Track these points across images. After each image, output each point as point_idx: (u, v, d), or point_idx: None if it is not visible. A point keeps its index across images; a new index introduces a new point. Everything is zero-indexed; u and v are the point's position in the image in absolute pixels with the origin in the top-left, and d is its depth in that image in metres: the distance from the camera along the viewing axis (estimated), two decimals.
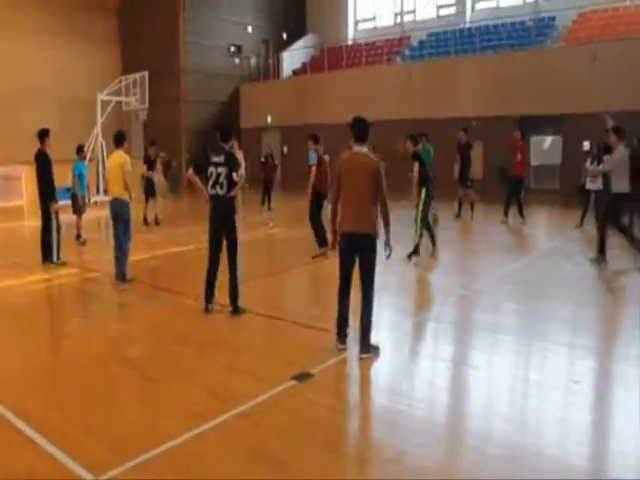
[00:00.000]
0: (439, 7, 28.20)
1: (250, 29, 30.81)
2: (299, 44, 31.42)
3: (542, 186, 20.32)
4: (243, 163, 8.50)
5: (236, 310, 7.35)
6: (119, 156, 9.24)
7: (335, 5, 31.27)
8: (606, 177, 11.36)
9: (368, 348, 5.93)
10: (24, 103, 24.97)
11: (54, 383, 5.54)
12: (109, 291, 9.17)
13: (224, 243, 7.36)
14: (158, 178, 16.85)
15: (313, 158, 10.89)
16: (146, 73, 22.69)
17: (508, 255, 11.56)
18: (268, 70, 30.79)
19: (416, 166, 10.19)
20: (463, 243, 12.94)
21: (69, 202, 12.93)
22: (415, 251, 10.28)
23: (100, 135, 21.92)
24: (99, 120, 22.20)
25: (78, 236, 12.94)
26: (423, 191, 10.20)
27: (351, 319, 6.17)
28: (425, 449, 4.24)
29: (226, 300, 7.42)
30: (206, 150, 7.46)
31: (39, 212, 10.57)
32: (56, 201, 10.41)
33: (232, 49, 30.31)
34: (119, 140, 9.37)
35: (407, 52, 27.36)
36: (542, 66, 20.40)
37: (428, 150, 13.70)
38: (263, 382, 5.25)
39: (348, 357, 5.98)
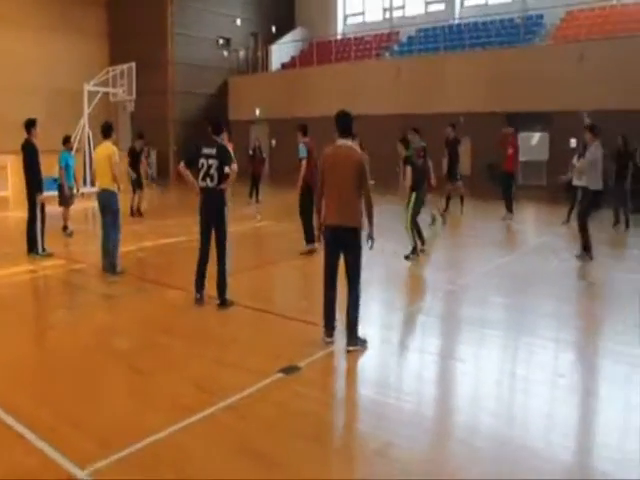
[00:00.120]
0: (428, 3, 28.18)
1: (239, 22, 30.66)
2: (288, 37, 31.32)
3: (529, 182, 20.42)
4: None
5: (224, 303, 7.34)
6: (107, 147, 9.17)
7: None
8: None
9: (355, 341, 5.95)
10: (10, 93, 24.70)
11: (40, 376, 5.50)
12: (95, 283, 9.12)
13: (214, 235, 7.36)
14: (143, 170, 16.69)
15: (302, 151, 10.57)
16: (133, 64, 22.57)
17: (496, 250, 11.62)
18: (257, 63, 30.65)
19: (408, 171, 10.15)
20: (452, 238, 12.98)
21: (56, 193, 12.81)
22: (414, 251, 10.27)
23: (87, 126, 21.77)
24: (86, 111, 22.04)
25: (65, 227, 12.83)
26: (413, 195, 10.18)
27: (339, 312, 6.17)
28: (412, 442, 4.26)
29: (214, 292, 7.41)
30: (197, 143, 7.43)
31: (25, 203, 10.47)
32: (41, 192, 10.31)
33: (221, 41, 30.15)
34: (106, 131, 9.28)
35: (396, 47, 27.36)
36: (530, 64, 20.47)
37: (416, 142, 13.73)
38: (250, 375, 5.25)
39: (335, 350, 5.99)
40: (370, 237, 6.05)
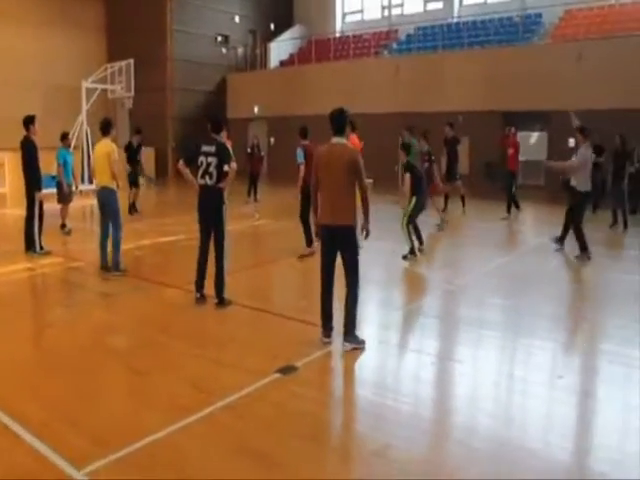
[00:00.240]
0: (426, 1, 28.14)
1: (237, 19, 30.61)
2: (286, 35, 31.26)
3: (527, 182, 20.43)
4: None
5: (222, 302, 7.33)
6: (106, 144, 9.12)
7: None
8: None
9: (350, 338, 5.96)
10: (7, 89, 24.64)
11: (37, 374, 5.48)
12: (93, 281, 9.09)
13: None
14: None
15: (300, 156, 10.25)
16: (132, 61, 22.52)
17: (494, 250, 11.61)
18: (255, 60, 30.60)
19: (407, 177, 10.13)
20: (451, 237, 12.96)
21: (54, 190, 12.77)
22: (411, 251, 10.25)
23: (85, 123, 21.72)
24: (84, 107, 21.98)
25: (63, 225, 12.79)
26: (413, 199, 10.16)
27: (337, 312, 6.17)
28: (410, 442, 4.26)
29: (212, 291, 7.40)
30: (197, 141, 7.40)
31: (24, 200, 10.44)
32: (40, 189, 10.28)
33: (219, 39, 30.09)
34: (105, 128, 9.22)
35: (395, 46, 27.34)
36: (529, 62, 20.46)
37: (413, 143, 13.70)
38: (248, 375, 5.24)
39: (333, 350, 5.99)
40: (365, 228, 6.13)
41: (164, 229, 13.45)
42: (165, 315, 7.31)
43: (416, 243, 10.34)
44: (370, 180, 6.12)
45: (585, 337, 6.86)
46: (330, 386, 5.52)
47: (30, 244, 10.35)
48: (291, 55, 30.66)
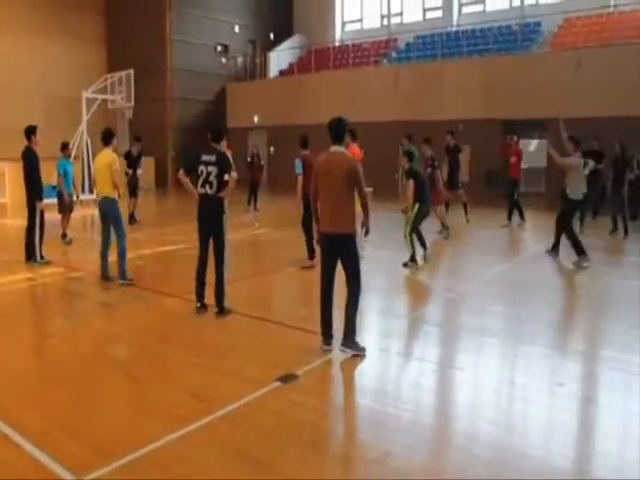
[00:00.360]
0: (425, 10, 28.29)
1: (237, 29, 30.75)
2: (286, 44, 31.40)
3: (528, 189, 20.45)
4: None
5: (222, 311, 7.32)
6: (107, 154, 9.13)
7: (322, 6, 31.26)
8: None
9: (350, 344, 5.96)
10: (7, 99, 24.73)
11: (37, 383, 5.48)
12: (94, 290, 9.10)
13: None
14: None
15: (298, 167, 10.10)
16: (132, 71, 22.59)
17: (496, 257, 11.59)
18: (255, 70, 30.71)
19: (411, 184, 10.12)
20: (452, 245, 12.95)
21: (55, 200, 12.78)
22: (412, 259, 10.24)
23: (85, 133, 21.77)
24: (84, 118, 22.05)
25: (64, 235, 12.80)
26: (416, 206, 10.15)
27: (337, 320, 6.17)
28: (410, 450, 4.25)
29: (212, 300, 7.39)
30: (198, 151, 7.41)
31: (24, 210, 10.45)
32: (41, 199, 10.30)
33: (219, 48, 30.22)
34: (107, 138, 9.22)
35: (394, 54, 27.44)
36: (528, 71, 20.54)
37: (413, 150, 13.71)
38: (248, 383, 5.23)
39: (333, 358, 5.98)
40: (365, 225, 6.22)
41: (164, 238, 13.45)
42: (165, 324, 7.30)
43: (420, 250, 10.33)
44: (370, 189, 6.14)
45: (585, 344, 6.84)
46: (330, 394, 5.51)
47: (30, 254, 10.36)
48: (291, 64, 30.78)
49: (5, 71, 25.29)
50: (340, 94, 24.46)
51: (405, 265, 10.07)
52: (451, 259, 11.87)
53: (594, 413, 4.97)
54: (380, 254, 11.16)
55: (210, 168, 7.16)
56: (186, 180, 7.36)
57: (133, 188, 15.58)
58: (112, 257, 9.26)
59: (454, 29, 26.70)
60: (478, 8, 26.66)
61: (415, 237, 10.27)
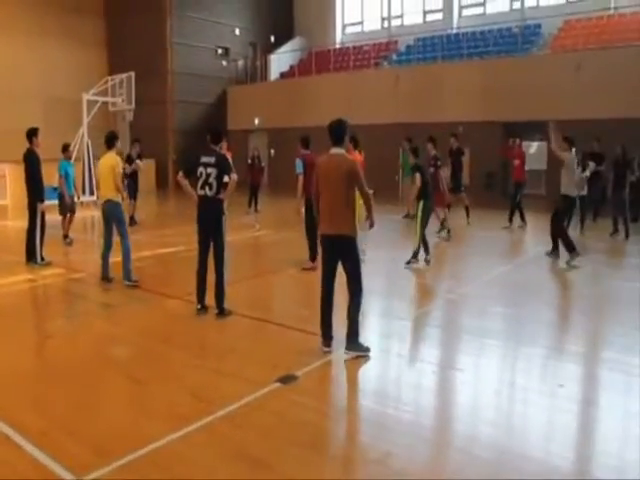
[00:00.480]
0: (426, 12, 28.31)
1: (238, 31, 30.77)
2: (287, 47, 31.43)
3: (528, 191, 20.42)
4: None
5: (222, 312, 7.32)
6: (110, 157, 9.13)
7: (323, 8, 31.30)
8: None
9: (353, 346, 5.96)
10: (8, 102, 24.75)
11: (38, 384, 5.49)
12: (95, 292, 9.10)
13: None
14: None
15: (299, 167, 10.09)
16: (132, 74, 22.60)
17: (496, 259, 11.58)
18: (255, 73, 30.73)
19: (418, 178, 10.16)
20: (453, 247, 12.95)
21: (56, 202, 12.79)
22: (414, 256, 10.30)
23: (86, 135, 21.79)
24: (85, 120, 22.07)
25: (65, 236, 12.82)
26: (421, 203, 10.18)
27: (337, 321, 6.17)
28: (411, 451, 4.25)
29: (212, 302, 7.40)
30: (198, 153, 7.42)
31: (26, 212, 10.46)
32: (43, 201, 10.31)
33: (219, 51, 30.25)
34: (110, 141, 9.23)
35: (394, 57, 27.47)
36: (528, 73, 20.55)
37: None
38: (248, 384, 5.23)
39: (333, 359, 5.98)
40: (370, 218, 6.28)
41: (164, 240, 13.46)
42: (166, 325, 7.31)
43: (422, 254, 10.35)
44: (371, 191, 6.14)
45: (586, 345, 6.84)
46: (330, 395, 5.51)
47: (31, 255, 10.37)
48: (291, 67, 30.81)
49: (6, 74, 25.30)
50: (340, 96, 24.48)
51: (408, 263, 10.12)
52: (452, 261, 11.87)
53: (594, 414, 4.97)
54: (380, 255, 11.16)
55: (210, 170, 7.16)
56: (185, 182, 7.37)
57: (133, 190, 15.58)
58: (113, 259, 9.28)
59: (454, 31, 26.72)
60: (478, 10, 26.68)
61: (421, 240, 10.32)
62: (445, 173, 14.90)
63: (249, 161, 19.32)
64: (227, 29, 30.17)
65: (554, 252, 11.07)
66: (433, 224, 12.27)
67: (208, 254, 7.39)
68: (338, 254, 6.04)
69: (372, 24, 30.25)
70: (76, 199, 13.14)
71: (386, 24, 29.52)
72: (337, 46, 30.67)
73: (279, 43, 31.45)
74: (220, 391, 5.21)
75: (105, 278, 9.20)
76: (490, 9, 26.28)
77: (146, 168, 19.75)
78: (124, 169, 15.20)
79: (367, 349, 6.03)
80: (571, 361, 6.24)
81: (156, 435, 4.29)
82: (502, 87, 20.90)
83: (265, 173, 23.28)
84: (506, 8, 25.75)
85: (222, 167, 7.19)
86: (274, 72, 30.78)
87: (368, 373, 5.81)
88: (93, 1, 30.01)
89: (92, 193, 20.89)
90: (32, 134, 10.19)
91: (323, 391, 5.52)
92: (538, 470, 3.98)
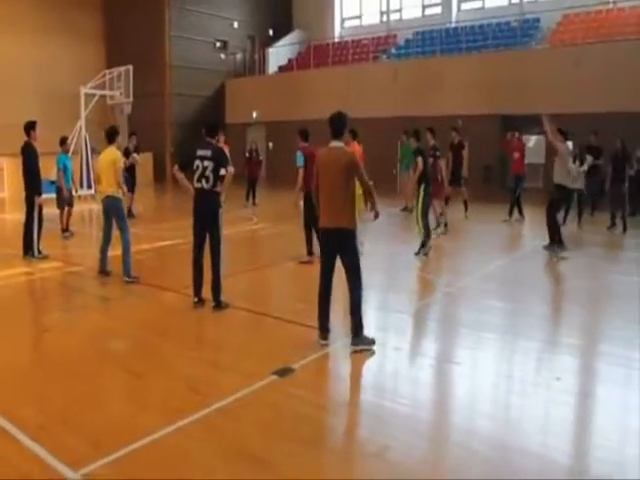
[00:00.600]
0: (425, 6, 28.25)
1: (236, 24, 30.69)
2: (285, 40, 31.35)
3: (527, 185, 20.43)
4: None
5: (219, 305, 7.32)
6: (111, 152, 9.08)
7: (322, 2, 31.22)
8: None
9: (358, 341, 5.97)
10: (6, 96, 24.67)
11: (35, 377, 5.47)
12: (92, 285, 9.08)
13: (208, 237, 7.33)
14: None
15: (300, 160, 10.00)
16: (130, 67, 22.53)
17: (494, 253, 11.59)
18: (254, 66, 30.67)
19: (420, 161, 10.18)
20: (450, 241, 12.94)
21: (54, 196, 12.77)
22: (423, 245, 10.34)
23: (84, 128, 21.74)
24: (82, 114, 22.00)
25: (65, 230, 12.80)
26: (422, 189, 10.19)
27: (334, 314, 6.17)
28: (408, 444, 4.24)
29: (209, 295, 7.40)
30: (195, 145, 7.40)
31: (24, 205, 10.44)
32: (40, 194, 10.29)
33: (218, 44, 30.18)
34: (111, 136, 9.16)
35: (393, 50, 27.41)
36: (527, 67, 20.54)
37: (410, 147, 13.72)
38: (245, 377, 5.23)
39: (330, 352, 5.99)
40: (374, 209, 6.24)
41: (162, 233, 13.45)
42: (163, 319, 7.30)
43: (428, 242, 10.42)
44: (370, 182, 6.13)
45: (583, 338, 6.84)
46: (327, 388, 5.51)
47: (28, 248, 10.35)
48: (290, 60, 30.74)
49: (3, 67, 25.22)
50: (339, 90, 24.43)
51: (417, 254, 10.16)
52: (449, 254, 11.86)
53: (592, 407, 4.98)
54: (377, 249, 11.15)
55: (206, 163, 7.14)
56: (181, 175, 7.35)
57: (130, 184, 15.55)
58: (112, 252, 9.27)
59: (453, 25, 26.67)
60: (477, 4, 26.63)
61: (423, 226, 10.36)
62: (443, 165, 14.89)
63: (247, 154, 19.30)
64: (225, 22, 30.10)
65: (551, 245, 11.08)
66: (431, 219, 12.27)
67: (204, 247, 7.37)
68: (337, 248, 6.03)
69: (371, 18, 30.18)
70: (74, 193, 13.11)
71: (385, 18, 29.46)
72: (336, 40, 30.59)
73: (278, 36, 31.37)
74: (217, 384, 5.22)
75: (103, 272, 9.18)
76: (489, 3, 26.24)
77: (144, 161, 19.71)
78: (124, 163, 15.20)
79: (372, 342, 6.03)
80: (568, 354, 6.24)
81: (153, 428, 4.28)
82: (501, 81, 20.88)
83: (263, 166, 23.23)
84: (505, 2, 25.70)
85: (219, 160, 7.18)
86: (272, 65, 30.70)
87: (365, 366, 5.80)
88: None
89: (90, 187, 20.85)
90: (30, 127, 10.16)
91: (320, 384, 5.53)
92: (535, 463, 3.99)
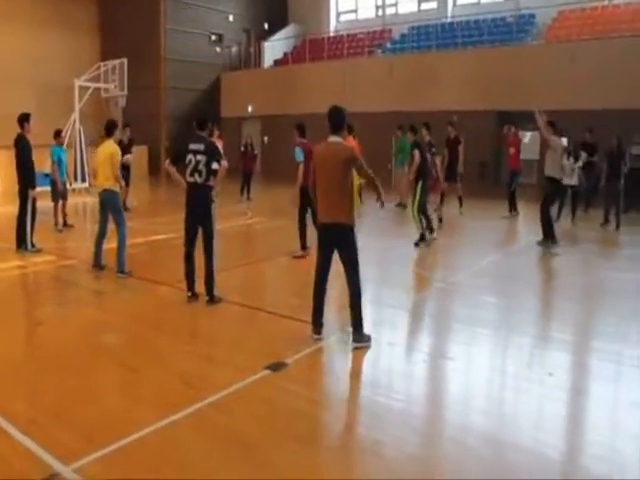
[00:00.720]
0: (420, 1, 28.18)
1: (231, 18, 30.56)
2: (281, 34, 31.24)
3: (522, 180, 20.47)
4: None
5: (212, 299, 7.31)
6: (109, 145, 9.03)
7: None
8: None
9: (357, 337, 5.97)
10: (0, 88, 24.52)
11: (27, 371, 5.46)
12: (86, 279, 9.05)
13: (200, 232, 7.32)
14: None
15: (299, 155, 9.88)
16: (125, 60, 22.45)
17: (487, 248, 11.60)
18: (249, 59, 30.57)
19: (417, 154, 10.19)
20: (444, 236, 12.93)
21: (49, 188, 12.70)
22: (423, 238, 10.38)
23: (78, 121, 21.66)
24: (77, 106, 21.91)
25: (64, 223, 12.76)
26: (419, 185, 10.18)
27: (332, 310, 6.17)
28: (401, 440, 4.25)
29: (203, 289, 7.38)
30: (188, 139, 7.38)
31: (17, 198, 10.38)
32: (34, 187, 10.24)
33: (213, 38, 30.06)
34: (109, 129, 9.10)
35: (388, 45, 27.35)
36: (522, 63, 20.53)
37: (405, 140, 13.74)
38: (238, 371, 5.23)
39: (324, 347, 5.99)
40: (379, 200, 6.21)
41: (156, 227, 13.40)
42: (156, 313, 7.29)
43: (427, 235, 10.44)
44: (372, 174, 6.13)
45: (576, 334, 6.87)
46: (320, 382, 5.52)
47: (22, 242, 10.31)
48: (285, 54, 30.64)
49: None
50: (334, 84, 24.36)
51: (416, 245, 10.18)
52: (443, 250, 11.84)
53: (584, 403, 5.00)
54: (371, 243, 11.15)
55: (199, 157, 7.12)
56: (173, 170, 7.31)
57: (125, 177, 15.50)
58: (107, 245, 9.24)
59: (449, 20, 26.60)
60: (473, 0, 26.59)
61: (423, 218, 10.38)
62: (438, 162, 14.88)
63: (242, 148, 19.24)
64: (221, 15, 29.97)
65: (545, 241, 11.11)
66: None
67: (195, 241, 7.35)
68: (335, 243, 6.02)
69: (366, 12, 30.08)
70: (68, 186, 13.05)
71: (380, 12, 29.34)
72: (331, 34, 30.50)
73: (273, 30, 31.25)
74: (210, 378, 5.22)
75: (97, 265, 9.14)
76: None
77: (138, 155, 19.62)
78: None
79: (369, 338, 6.04)
80: (561, 350, 6.26)
81: (146, 421, 4.28)
82: (496, 77, 20.87)
83: (258, 160, 23.17)
84: None
85: (211, 154, 7.16)
86: (268, 59, 30.59)
87: (359, 361, 5.81)
88: None
89: (84, 180, 20.78)
90: (24, 120, 10.10)
91: (313, 378, 5.53)
92: (529, 458, 4.00)
